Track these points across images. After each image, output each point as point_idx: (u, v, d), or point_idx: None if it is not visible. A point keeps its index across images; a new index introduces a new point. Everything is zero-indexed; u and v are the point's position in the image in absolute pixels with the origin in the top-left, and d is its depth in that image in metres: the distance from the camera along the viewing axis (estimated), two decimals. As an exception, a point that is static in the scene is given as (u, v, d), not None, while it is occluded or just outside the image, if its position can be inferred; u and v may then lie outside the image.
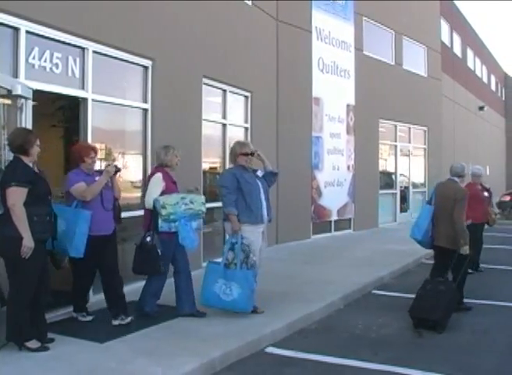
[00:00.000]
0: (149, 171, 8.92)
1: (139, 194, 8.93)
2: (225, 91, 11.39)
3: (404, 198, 20.32)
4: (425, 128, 21.53)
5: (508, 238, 16.35)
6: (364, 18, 17.63)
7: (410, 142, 20.80)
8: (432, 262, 12.04)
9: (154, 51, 9.08)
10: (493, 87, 41.65)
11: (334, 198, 15.84)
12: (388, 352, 6.35)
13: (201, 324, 6.81)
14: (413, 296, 8.59)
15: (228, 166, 11.32)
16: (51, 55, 7.37)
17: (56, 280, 6.70)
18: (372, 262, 11.39)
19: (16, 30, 6.84)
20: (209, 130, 10.87)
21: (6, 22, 6.69)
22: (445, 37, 26.09)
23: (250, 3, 12.30)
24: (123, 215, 7.29)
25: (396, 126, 19.77)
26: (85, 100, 7.88)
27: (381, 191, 18.63)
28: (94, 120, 7.94)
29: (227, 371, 5.70)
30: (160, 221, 6.85)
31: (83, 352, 5.72)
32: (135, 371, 5.24)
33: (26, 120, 6.47)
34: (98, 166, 7.51)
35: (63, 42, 7.54)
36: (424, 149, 21.76)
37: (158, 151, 7.41)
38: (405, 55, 20.21)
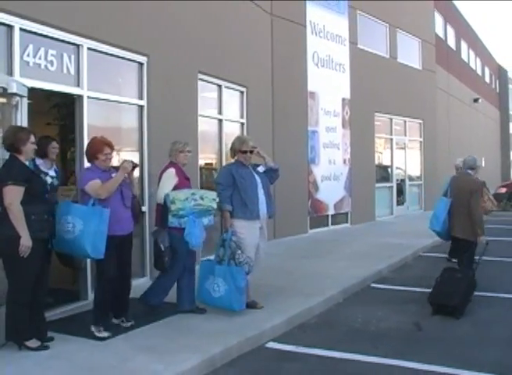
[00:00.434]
0: (145, 168, 8.92)
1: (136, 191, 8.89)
2: (220, 86, 11.36)
3: (401, 191, 20.33)
4: (421, 121, 21.54)
5: (505, 230, 16.37)
6: (359, 11, 17.61)
7: (405, 135, 20.81)
8: (430, 255, 12.23)
9: (149, 48, 9.04)
10: (487, 79, 41.63)
11: (331, 192, 15.83)
12: (388, 345, 6.35)
13: (201, 320, 6.80)
14: (411, 289, 8.70)
15: (224, 161, 11.35)
16: (46, 53, 7.35)
17: (55, 279, 6.70)
18: (370, 255, 11.39)
19: (10, 27, 6.81)
20: (205, 125, 10.84)
21: (0, 20, 6.65)
22: (439, 29, 26.06)
23: (244, -2, 12.27)
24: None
25: (391, 119, 19.77)
26: (80, 97, 7.85)
27: (377, 185, 18.64)
28: (89, 117, 7.91)
29: (228, 367, 5.70)
30: (170, 216, 6.78)
31: (83, 350, 5.70)
32: (136, 368, 5.22)
33: (22, 118, 6.44)
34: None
35: (58, 39, 7.51)
36: (420, 142, 21.76)
37: (172, 147, 7.37)
38: (399, 48, 20.20)
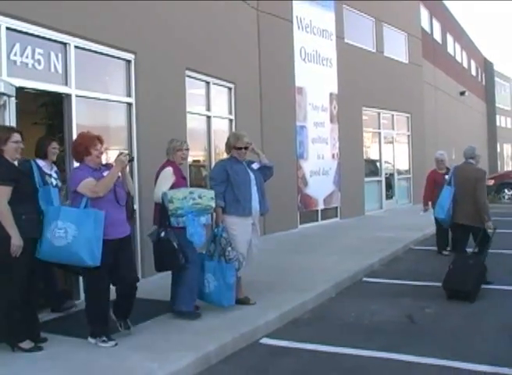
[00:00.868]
0: (135, 166, 8.88)
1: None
2: (208, 83, 11.34)
3: (389, 185, 20.40)
4: (408, 115, 21.60)
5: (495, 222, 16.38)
6: (345, 6, 17.62)
7: (393, 129, 20.86)
8: (420, 248, 12.28)
9: (135, 45, 9.00)
10: (474, 73, 41.79)
11: (320, 186, 15.85)
12: (382, 339, 6.36)
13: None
14: (403, 282, 8.77)
15: (213, 158, 11.34)
16: (33, 51, 7.31)
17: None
18: (361, 249, 11.41)
19: (-4, 26, 6.76)
20: (194, 122, 10.82)
21: (-14, 19, 6.61)
22: (425, 23, 26.15)
23: (230, -6, 12.23)
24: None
25: (379, 113, 19.82)
26: (69, 96, 7.80)
27: (366, 179, 18.67)
28: (78, 116, 7.87)
29: (223, 364, 5.69)
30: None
31: (78, 351, 5.66)
32: (131, 367, 5.20)
33: (10, 118, 6.41)
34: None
35: (45, 38, 7.47)
36: (408, 136, 21.83)
37: (167, 146, 7.25)
38: (386, 43, 20.24)
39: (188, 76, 10.48)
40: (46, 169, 6.96)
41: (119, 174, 5.94)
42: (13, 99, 6.45)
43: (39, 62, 7.39)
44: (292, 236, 13.62)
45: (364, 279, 9.40)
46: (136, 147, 8.97)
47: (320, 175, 15.91)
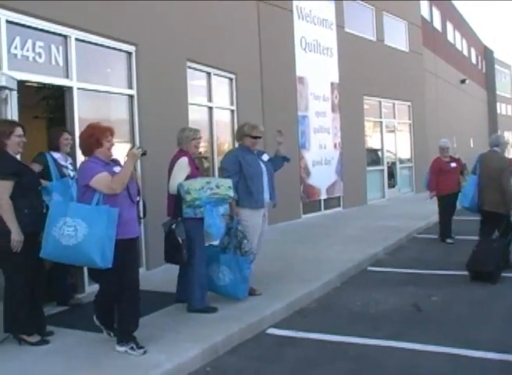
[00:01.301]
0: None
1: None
2: (209, 73, 11.29)
3: (392, 174, 20.36)
4: (409, 103, 21.54)
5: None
6: (344, -6, 17.53)
7: (395, 118, 20.80)
8: (424, 236, 12.27)
9: (136, 37, 8.96)
10: (474, 60, 41.70)
11: (322, 176, 15.81)
12: (388, 328, 6.36)
13: (201, 308, 6.78)
14: (408, 271, 8.80)
15: (215, 149, 11.31)
16: (34, 44, 7.26)
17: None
18: (365, 238, 11.40)
19: (-4, 20, 6.73)
20: (195, 113, 10.77)
21: (-15, 12, 6.57)
22: (424, 11, 26.03)
23: (230, -16, 12.17)
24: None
25: (380, 102, 19.75)
26: (70, 89, 7.77)
27: (368, 168, 18.64)
28: (80, 109, 7.83)
29: (230, 354, 5.69)
30: (184, 207, 6.41)
31: (84, 344, 5.65)
32: (138, 359, 5.19)
33: (12, 112, 6.38)
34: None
35: (45, 31, 7.42)
36: (409, 124, 21.78)
37: (178, 135, 6.99)
38: (386, 31, 20.15)
39: (189, 67, 10.44)
40: (61, 161, 6.94)
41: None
42: (15, 93, 6.42)
43: (40, 55, 7.34)
44: (295, 226, 13.61)
45: (369, 268, 9.39)
46: (139, 139, 8.94)
47: (322, 165, 15.87)
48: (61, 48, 7.69)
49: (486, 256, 8.16)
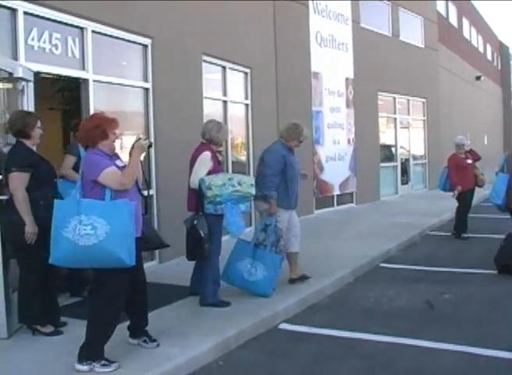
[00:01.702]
0: (152, 151, 8.85)
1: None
2: (224, 67, 11.28)
3: (405, 170, 20.30)
4: (424, 99, 21.45)
5: None
6: (361, -10, 17.46)
7: (409, 114, 20.73)
8: (437, 233, 12.23)
9: (153, 30, 8.97)
10: (489, 57, 41.47)
11: (336, 172, 15.78)
12: (400, 325, 6.33)
13: (213, 302, 6.78)
14: (421, 268, 8.78)
15: (230, 143, 11.29)
16: (50, 36, 7.29)
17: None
18: (378, 235, 11.38)
19: (14, 11, 6.74)
20: (210, 107, 10.76)
21: (3, 3, 6.58)
22: (440, 7, 25.89)
23: (246, -22, 12.14)
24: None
25: (394, 98, 19.69)
26: (86, 81, 7.80)
27: (382, 164, 18.60)
28: (95, 101, 7.86)
29: (242, 349, 5.69)
30: (205, 202, 6.33)
31: (97, 335, 5.67)
32: (151, 352, 5.20)
33: (28, 103, 6.40)
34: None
35: (62, 22, 7.45)
36: (424, 121, 21.70)
37: (208, 126, 6.84)
38: (402, 27, 20.05)
39: (204, 60, 10.43)
40: None
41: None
42: (31, 84, 6.43)
43: (56, 46, 7.38)
44: (308, 222, 13.52)
45: (382, 264, 9.37)
46: (153, 132, 8.95)
47: (336, 160, 15.84)
48: (77, 40, 7.73)
49: None
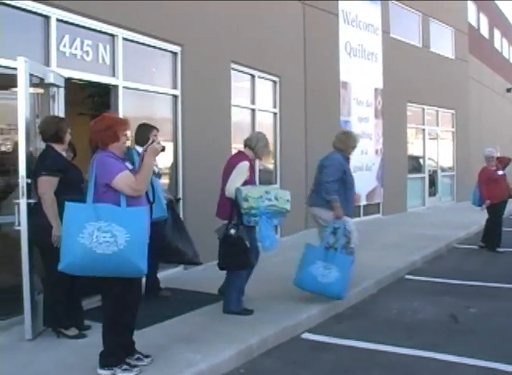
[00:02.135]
0: (180, 157, 8.91)
1: (167, 180, 8.93)
2: (253, 76, 11.33)
3: (433, 182, 20.14)
4: (453, 111, 21.28)
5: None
6: (391, 0, 17.41)
7: (437, 125, 20.59)
8: (464, 246, 12.12)
9: (182, 37, 9.05)
10: (521, 68, 41.03)
11: (363, 182, 15.65)
12: (424, 337, 6.29)
13: (237, 310, 6.79)
14: (446, 281, 8.71)
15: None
16: (82, 43, 7.40)
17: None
18: (403, 246, 11.31)
19: (47, 18, 6.86)
20: (238, 115, 10.82)
21: (37, 10, 6.70)
22: (472, 18, 25.69)
23: (276, -13, 12.18)
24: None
25: (423, 109, 19.57)
26: (116, 87, 7.90)
27: (409, 175, 18.48)
28: (124, 107, 7.95)
29: (264, 357, 5.69)
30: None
31: (120, 339, 5.72)
32: (172, 358, 5.22)
33: (59, 109, 6.49)
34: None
35: (93, 29, 7.56)
36: (452, 132, 21.52)
37: (258, 135, 6.96)
38: (432, 38, 19.95)
39: (233, 69, 10.49)
40: None
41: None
42: (62, 90, 6.53)
43: (87, 53, 7.48)
44: (333, 231, 13.53)
45: (407, 276, 9.31)
46: (182, 139, 9.02)
47: (363, 170, 15.76)
48: (108, 46, 7.83)
49: None
